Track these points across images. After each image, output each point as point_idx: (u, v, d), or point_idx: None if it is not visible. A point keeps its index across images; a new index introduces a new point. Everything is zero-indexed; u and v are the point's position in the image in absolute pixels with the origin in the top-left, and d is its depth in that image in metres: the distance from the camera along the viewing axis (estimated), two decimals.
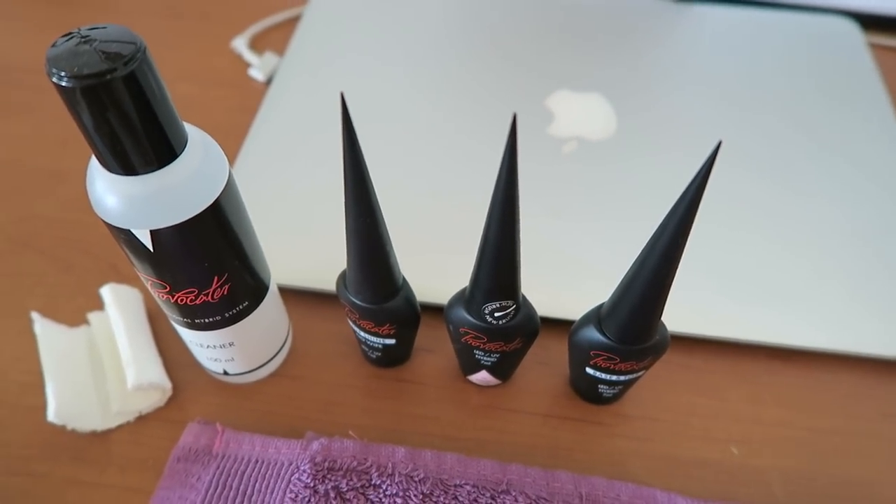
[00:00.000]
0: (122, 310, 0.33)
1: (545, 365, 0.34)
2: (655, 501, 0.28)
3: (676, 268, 0.23)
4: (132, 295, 0.34)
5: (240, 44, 0.51)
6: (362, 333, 0.31)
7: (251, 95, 0.47)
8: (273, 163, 0.41)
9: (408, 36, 0.50)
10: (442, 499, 0.27)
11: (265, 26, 0.53)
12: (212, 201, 0.23)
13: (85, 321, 0.35)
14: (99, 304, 0.35)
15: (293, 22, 0.53)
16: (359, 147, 0.21)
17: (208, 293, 0.26)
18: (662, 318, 0.27)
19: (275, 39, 0.52)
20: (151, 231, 0.22)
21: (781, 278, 0.36)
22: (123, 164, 0.21)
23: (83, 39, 0.19)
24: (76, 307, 0.35)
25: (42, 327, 0.33)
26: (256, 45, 0.52)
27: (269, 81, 0.48)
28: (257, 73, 0.48)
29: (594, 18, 0.52)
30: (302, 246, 0.36)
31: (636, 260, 0.24)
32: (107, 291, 0.34)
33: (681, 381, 0.33)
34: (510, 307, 0.27)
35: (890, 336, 0.34)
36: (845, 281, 0.36)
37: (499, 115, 0.44)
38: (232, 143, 0.42)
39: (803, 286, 0.36)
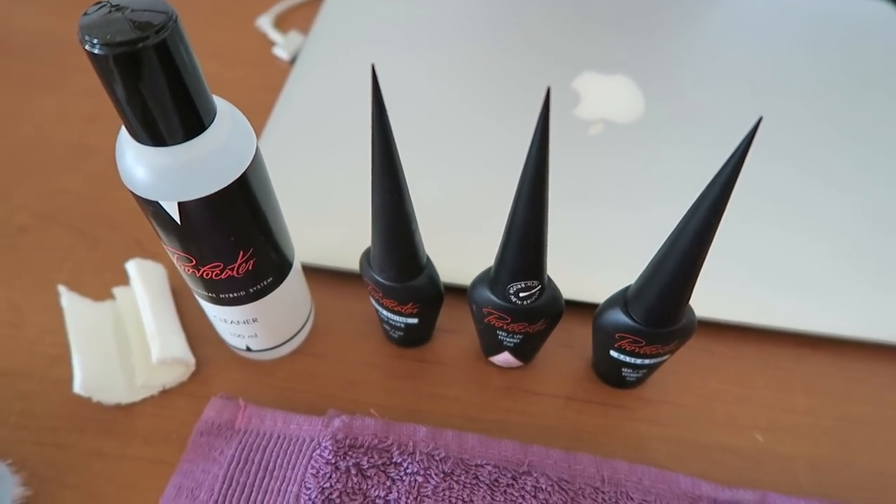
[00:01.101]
0: (147, 285, 0.33)
1: (567, 347, 0.34)
2: (678, 486, 0.28)
3: (708, 248, 0.23)
4: (157, 270, 0.35)
5: (264, 22, 0.50)
6: (385, 312, 0.31)
7: (275, 74, 0.47)
8: (296, 141, 0.41)
9: (432, 15, 0.49)
10: (463, 478, 0.27)
11: (290, 5, 0.52)
12: (239, 174, 0.23)
13: (110, 296, 0.35)
14: (124, 280, 0.35)
15: (318, 1, 0.53)
16: (388, 120, 0.21)
17: (233, 268, 0.26)
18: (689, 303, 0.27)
19: (299, 18, 0.52)
20: (179, 203, 0.22)
21: (811, 266, 0.35)
22: (152, 134, 0.20)
23: (115, 8, 0.19)
24: (102, 282, 0.36)
25: (69, 301, 0.33)
26: (281, 23, 0.51)
27: (293, 60, 0.48)
28: (281, 52, 0.48)
29: (622, 0, 0.51)
30: (324, 225, 0.36)
31: (666, 240, 0.24)
32: (132, 266, 0.34)
33: (705, 366, 0.33)
34: (535, 287, 0.26)
35: None
36: (876, 269, 0.35)
37: (524, 95, 0.43)
38: (255, 122, 0.41)
39: (834, 274, 0.35)
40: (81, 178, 0.41)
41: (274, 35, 0.49)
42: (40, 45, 0.50)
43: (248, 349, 0.32)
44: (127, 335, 0.33)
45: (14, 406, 0.32)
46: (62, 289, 0.34)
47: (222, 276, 0.26)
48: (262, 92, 0.45)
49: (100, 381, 0.31)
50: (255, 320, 0.29)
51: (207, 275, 0.26)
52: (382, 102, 0.20)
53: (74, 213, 0.39)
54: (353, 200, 0.34)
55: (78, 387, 0.30)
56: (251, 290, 0.28)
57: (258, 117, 0.42)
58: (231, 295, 0.27)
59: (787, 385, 0.32)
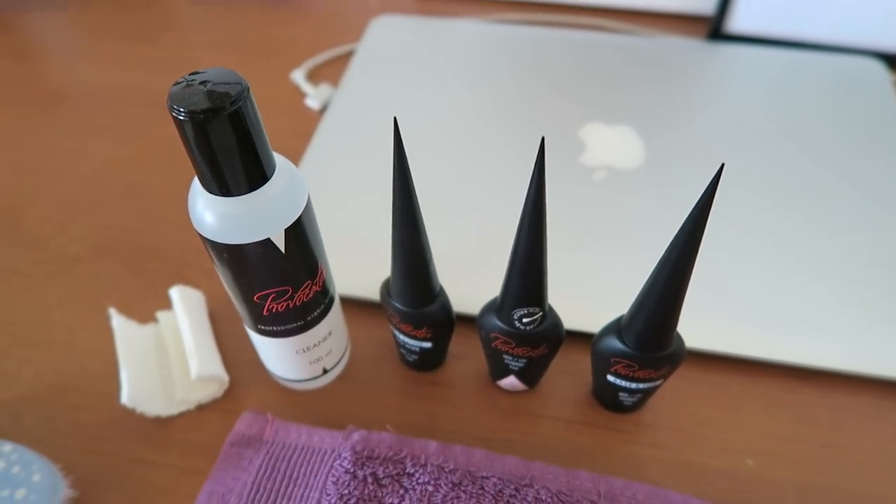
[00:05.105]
0: (188, 309, 0.37)
1: (570, 375, 0.36)
2: (670, 502, 0.30)
3: (688, 281, 0.25)
4: (197, 296, 0.38)
5: (298, 76, 0.55)
6: (401, 337, 0.34)
7: (307, 122, 0.51)
8: (325, 184, 0.45)
9: (452, 71, 0.54)
10: (470, 488, 0.30)
11: (321, 60, 0.58)
12: (294, 219, 0.26)
13: (154, 319, 0.38)
14: (166, 305, 0.39)
15: (347, 57, 0.58)
16: (407, 165, 0.25)
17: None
18: (680, 332, 0.30)
19: (330, 72, 0.57)
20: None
21: (801, 302, 0.38)
22: (222, 186, 0.24)
23: (198, 82, 0.22)
24: (146, 307, 0.39)
25: (118, 322, 0.37)
26: (313, 77, 0.56)
27: (323, 110, 0.53)
28: (313, 103, 0.53)
29: (628, 56, 0.55)
30: (347, 259, 0.40)
31: (652, 273, 0.27)
32: (175, 293, 0.38)
33: (700, 394, 0.35)
34: (537, 314, 0.29)
35: None
36: (864, 304, 0.37)
37: (534, 143, 0.47)
38: None
39: (822, 309, 0.37)
40: (130, 215, 0.45)
41: (306, 87, 0.54)
42: (99, 94, 0.55)
43: (325, 371, 0.35)
44: (168, 354, 0.36)
45: (65, 416, 0.35)
46: (112, 311, 0.37)
47: (311, 294, 0.29)
48: (294, 138, 0.49)
49: (143, 394, 0.34)
50: (330, 334, 0.33)
51: (299, 300, 0.29)
52: (403, 150, 0.24)
53: (123, 245, 0.44)
54: (375, 237, 0.38)
55: (125, 398, 0.33)
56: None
57: (291, 161, 0.46)
58: (315, 314, 0.30)
59: (777, 413, 0.34)
